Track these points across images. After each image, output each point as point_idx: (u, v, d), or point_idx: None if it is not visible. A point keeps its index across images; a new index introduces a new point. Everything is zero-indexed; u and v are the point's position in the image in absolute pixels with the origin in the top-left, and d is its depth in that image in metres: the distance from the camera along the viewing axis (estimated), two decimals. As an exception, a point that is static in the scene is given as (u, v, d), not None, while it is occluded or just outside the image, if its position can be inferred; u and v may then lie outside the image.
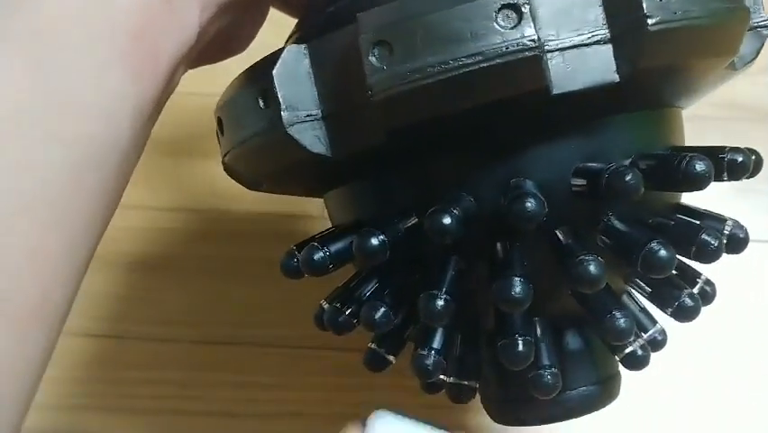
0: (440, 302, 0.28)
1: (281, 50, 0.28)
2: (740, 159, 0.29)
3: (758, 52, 0.31)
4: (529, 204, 0.26)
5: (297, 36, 0.31)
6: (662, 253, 0.27)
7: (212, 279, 0.57)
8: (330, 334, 0.33)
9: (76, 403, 0.56)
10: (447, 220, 0.26)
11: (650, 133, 0.31)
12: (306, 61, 0.28)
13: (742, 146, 0.30)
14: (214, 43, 0.30)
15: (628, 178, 0.26)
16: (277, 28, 0.35)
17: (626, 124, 0.30)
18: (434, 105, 0.25)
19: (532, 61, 0.24)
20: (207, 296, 0.57)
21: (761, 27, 0.31)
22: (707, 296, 0.33)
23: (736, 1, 0.27)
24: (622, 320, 0.28)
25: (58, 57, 0.23)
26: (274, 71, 0.27)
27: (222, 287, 0.57)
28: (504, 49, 0.24)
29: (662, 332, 0.35)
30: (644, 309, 0.35)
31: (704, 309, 0.33)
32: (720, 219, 0.31)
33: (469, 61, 0.24)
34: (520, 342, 0.29)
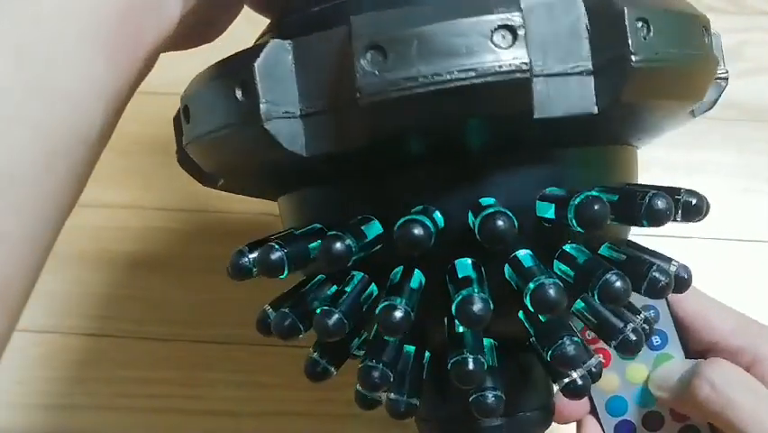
0: (399, 313, 0.27)
1: (264, 43, 0.27)
2: (694, 201, 0.30)
3: (715, 102, 0.33)
4: (501, 222, 0.26)
5: (278, 33, 0.30)
6: (619, 283, 0.27)
7: (212, 279, 0.56)
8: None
9: (75, 403, 0.56)
10: (419, 231, 0.26)
11: (610, 168, 0.32)
12: (290, 57, 0.27)
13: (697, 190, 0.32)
14: (191, 30, 0.30)
15: (597, 207, 0.26)
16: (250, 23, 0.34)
17: (589, 156, 0.30)
18: (421, 116, 0.25)
19: (522, 84, 0.24)
20: (207, 296, 0.57)
21: (720, 78, 0.33)
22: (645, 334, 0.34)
23: (707, 49, 0.29)
24: (572, 347, 0.29)
25: (39, 41, 0.22)
26: (256, 63, 0.26)
27: (222, 287, 0.55)
28: (497, 68, 0.24)
29: (599, 364, 0.35)
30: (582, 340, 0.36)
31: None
32: (667, 259, 0.32)
33: (461, 76, 0.24)
34: (470, 360, 0.28)
